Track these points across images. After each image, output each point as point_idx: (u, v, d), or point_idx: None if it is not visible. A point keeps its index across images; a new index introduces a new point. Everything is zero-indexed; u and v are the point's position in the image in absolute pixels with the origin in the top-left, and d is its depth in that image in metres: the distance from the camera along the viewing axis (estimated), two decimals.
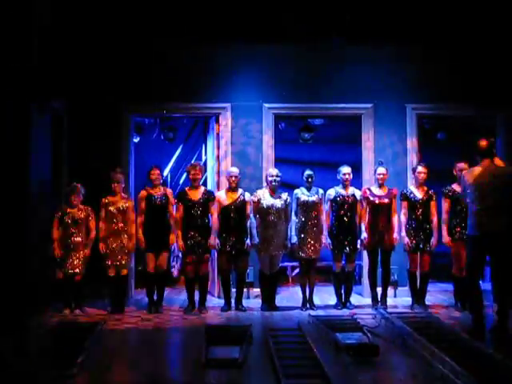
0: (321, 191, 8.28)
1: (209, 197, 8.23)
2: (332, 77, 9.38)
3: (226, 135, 9.30)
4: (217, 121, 9.38)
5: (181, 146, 12.11)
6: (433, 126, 10.40)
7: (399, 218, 8.26)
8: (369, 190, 8.32)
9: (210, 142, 9.78)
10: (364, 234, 8.18)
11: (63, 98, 8.70)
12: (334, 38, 9.03)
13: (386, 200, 8.21)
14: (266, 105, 9.34)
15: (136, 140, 10.13)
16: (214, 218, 8.18)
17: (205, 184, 9.61)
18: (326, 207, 8.26)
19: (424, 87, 9.38)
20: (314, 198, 8.20)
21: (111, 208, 8.08)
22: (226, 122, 9.27)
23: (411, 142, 9.37)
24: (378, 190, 8.28)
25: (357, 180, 8.98)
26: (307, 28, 8.94)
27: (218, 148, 9.38)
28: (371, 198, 8.21)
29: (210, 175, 9.75)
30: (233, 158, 9.27)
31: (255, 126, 9.31)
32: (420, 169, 8.22)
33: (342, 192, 8.24)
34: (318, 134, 10.63)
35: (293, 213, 8.24)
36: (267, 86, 9.39)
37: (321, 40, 9.11)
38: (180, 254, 9.72)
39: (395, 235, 8.19)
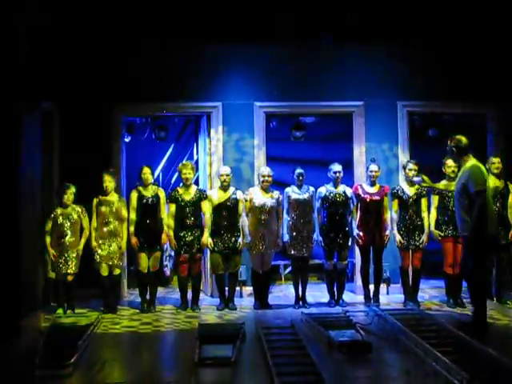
0: (312, 189, 8.30)
1: (201, 196, 8.24)
2: (323, 75, 9.38)
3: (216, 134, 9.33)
4: (208, 119, 9.38)
5: (172, 145, 12.08)
6: (424, 123, 10.40)
7: (391, 216, 8.29)
8: (360, 186, 8.33)
9: (202, 141, 9.76)
10: (356, 231, 8.21)
11: (53, 98, 8.66)
12: (323, 35, 9.03)
13: (378, 197, 8.22)
14: (258, 103, 9.35)
15: (127, 139, 10.10)
16: (207, 217, 8.19)
17: (197, 183, 9.60)
18: (317, 205, 8.28)
19: (414, 84, 9.40)
20: (305, 196, 8.22)
21: (103, 208, 8.07)
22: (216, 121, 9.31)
23: (402, 139, 9.39)
24: (370, 187, 8.30)
25: (348, 178, 8.98)
26: (297, 26, 8.94)
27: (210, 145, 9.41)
28: (362, 196, 8.23)
29: (202, 174, 9.74)
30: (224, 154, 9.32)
31: (246, 123, 9.33)
32: (411, 166, 8.23)
33: (333, 190, 8.25)
34: (310, 132, 10.62)
35: (284, 211, 8.26)
36: (258, 84, 9.38)
37: (311, 38, 9.10)
38: (172, 254, 9.72)
39: (387, 232, 8.22)
